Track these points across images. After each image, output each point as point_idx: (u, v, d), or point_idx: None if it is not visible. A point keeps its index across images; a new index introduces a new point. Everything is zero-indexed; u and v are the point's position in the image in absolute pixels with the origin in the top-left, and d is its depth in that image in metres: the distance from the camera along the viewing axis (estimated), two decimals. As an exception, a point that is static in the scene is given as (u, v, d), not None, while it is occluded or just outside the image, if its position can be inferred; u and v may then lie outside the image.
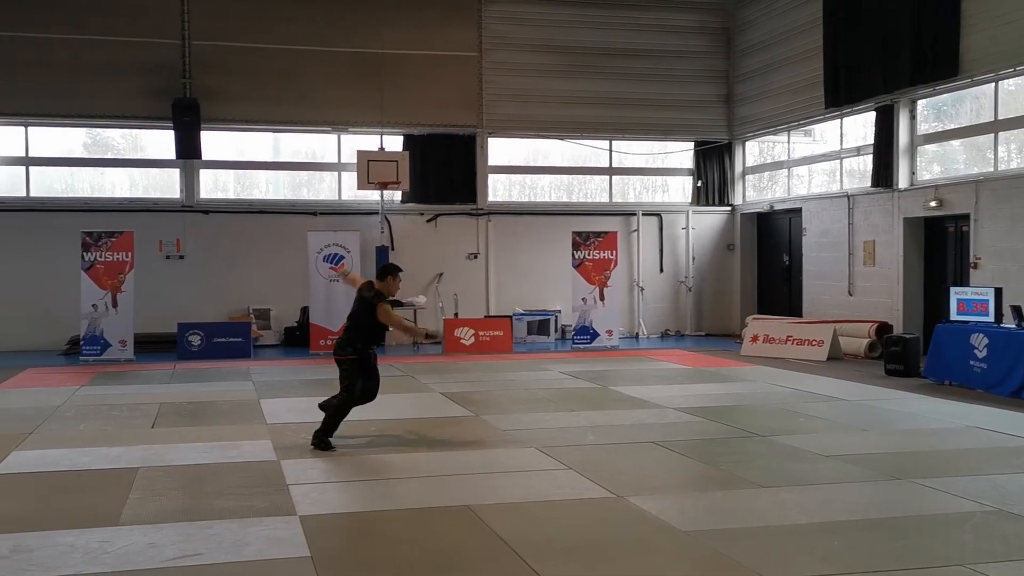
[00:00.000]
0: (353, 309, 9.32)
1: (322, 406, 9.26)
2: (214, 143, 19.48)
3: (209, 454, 8.71)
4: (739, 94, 21.47)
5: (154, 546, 5.93)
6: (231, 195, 20.21)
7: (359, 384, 9.19)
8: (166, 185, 19.70)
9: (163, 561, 5.66)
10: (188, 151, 18.58)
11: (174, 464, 8.32)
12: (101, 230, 16.86)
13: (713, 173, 21.84)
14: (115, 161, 19.91)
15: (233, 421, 10.57)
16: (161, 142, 19.41)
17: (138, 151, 20.08)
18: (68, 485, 7.67)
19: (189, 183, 19.42)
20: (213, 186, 20.08)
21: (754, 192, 21.96)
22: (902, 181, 16.67)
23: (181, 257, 19.16)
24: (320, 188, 20.68)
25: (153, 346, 17.45)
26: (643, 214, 21.45)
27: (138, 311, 16.92)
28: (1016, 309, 12.23)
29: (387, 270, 9.40)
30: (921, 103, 16.66)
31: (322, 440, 8.89)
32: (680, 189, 22.20)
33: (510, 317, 19.44)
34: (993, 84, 14.94)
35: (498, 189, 21.25)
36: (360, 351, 9.19)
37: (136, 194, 19.63)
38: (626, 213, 21.44)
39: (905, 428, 9.94)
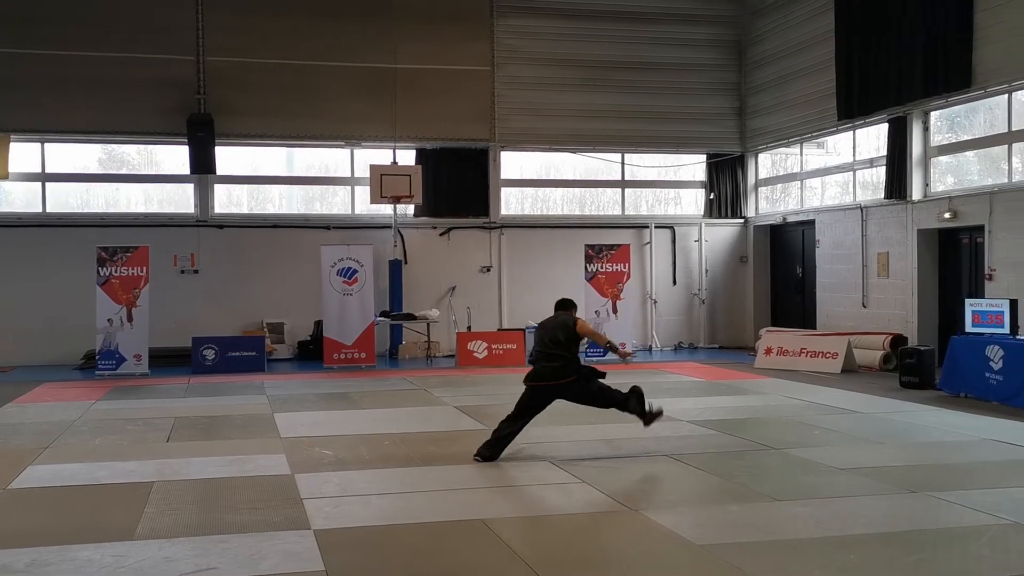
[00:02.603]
0: (549, 337, 9.26)
1: (635, 410, 9.32)
2: (228, 158, 19.59)
3: (224, 468, 8.73)
4: (751, 106, 21.48)
5: (169, 560, 5.95)
6: (245, 209, 20.30)
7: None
8: (180, 200, 19.81)
9: (178, 575, 5.68)
10: (202, 166, 18.69)
11: (189, 478, 8.34)
12: (116, 245, 16.96)
13: (726, 185, 21.83)
14: (130, 176, 20.03)
15: (247, 435, 10.59)
16: (176, 157, 19.53)
17: (153, 166, 20.20)
18: (84, 499, 7.70)
19: (203, 198, 19.53)
20: (227, 201, 20.18)
21: (767, 204, 21.93)
22: (915, 193, 16.63)
23: (195, 271, 19.25)
24: (333, 202, 20.76)
25: (168, 360, 17.51)
26: (656, 227, 21.45)
27: (153, 325, 17.00)
28: (1032, 321, 12.18)
29: (567, 303, 9.89)
30: (934, 114, 16.63)
31: (649, 411, 9.24)
32: (693, 201, 22.19)
33: (523, 330, 19.40)
34: (1007, 95, 14.90)
35: (510, 202, 21.29)
36: (577, 369, 9.21)
37: (151, 209, 19.75)
38: (639, 226, 21.44)
39: (920, 441, 9.89)
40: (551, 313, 9.89)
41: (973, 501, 7.17)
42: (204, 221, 19.48)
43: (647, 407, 9.26)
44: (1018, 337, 12.27)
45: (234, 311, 19.11)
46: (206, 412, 12.24)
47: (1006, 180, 15.03)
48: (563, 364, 9.04)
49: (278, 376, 16.71)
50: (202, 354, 17.21)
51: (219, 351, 17.27)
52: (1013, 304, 12.56)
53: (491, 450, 8.95)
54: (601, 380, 9.23)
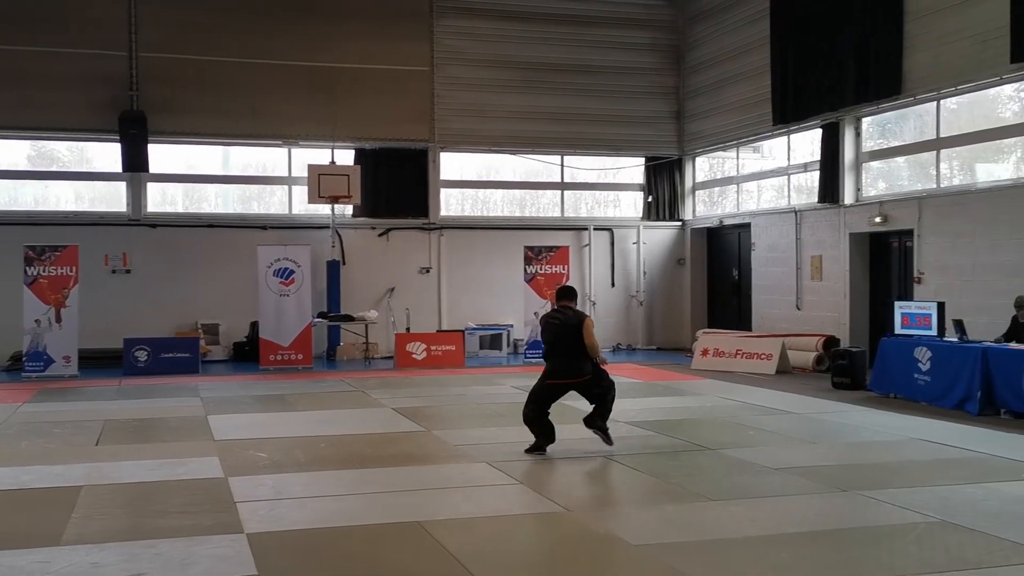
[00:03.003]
0: (557, 336, 9.41)
1: (597, 417, 9.47)
2: (162, 156, 19.25)
3: (155, 472, 8.56)
4: (689, 110, 21.71)
5: (97, 566, 5.81)
6: (179, 208, 19.97)
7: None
8: (112, 198, 19.41)
9: (106, 581, 5.56)
10: (135, 164, 18.35)
11: (119, 482, 8.16)
12: (45, 244, 16.57)
13: (664, 188, 22.04)
14: (60, 174, 19.60)
15: (180, 438, 10.40)
16: (108, 155, 19.15)
17: (84, 164, 19.78)
18: (8, 504, 7.49)
19: (136, 196, 19.16)
20: (161, 199, 19.83)
21: (704, 207, 22.18)
22: (848, 197, 16.95)
23: (128, 271, 18.87)
24: (271, 202, 20.53)
25: (98, 362, 17.17)
26: (595, 229, 21.57)
27: (83, 326, 16.63)
28: (958, 323, 12.47)
29: (571, 292, 9.88)
30: (866, 121, 16.97)
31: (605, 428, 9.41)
32: (631, 204, 22.37)
33: (462, 332, 19.41)
34: (935, 103, 15.26)
35: (450, 203, 21.25)
36: (594, 367, 9.39)
37: (82, 208, 19.33)
38: (578, 228, 21.54)
39: (851, 440, 10.07)
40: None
41: (901, 499, 7.32)
42: (137, 220, 19.12)
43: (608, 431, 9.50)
44: (945, 339, 12.57)
45: (168, 312, 18.78)
46: (137, 414, 12.00)
47: (934, 185, 15.38)
48: (580, 363, 9.29)
49: (212, 378, 16.46)
50: (134, 355, 16.89)
51: (151, 352, 16.97)
52: (941, 307, 12.86)
53: (544, 440, 9.29)
54: (604, 384, 9.53)
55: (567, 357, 9.31)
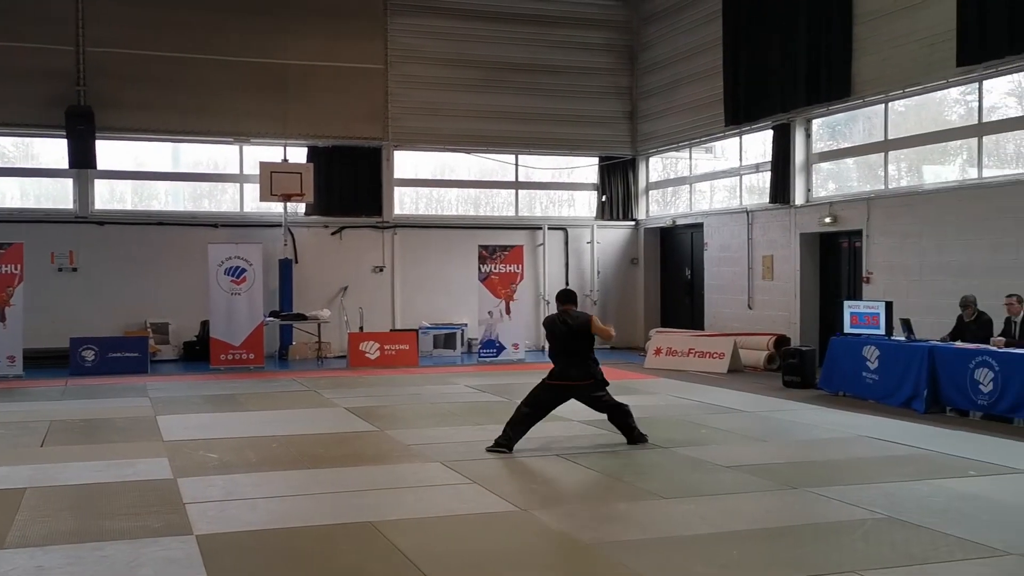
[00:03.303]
0: (565, 339, 9.57)
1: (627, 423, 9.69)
2: (110, 152, 18.95)
3: (102, 473, 8.42)
4: (643, 111, 21.83)
5: (41, 569, 5.71)
6: (128, 206, 19.67)
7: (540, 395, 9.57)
8: (59, 195, 19.05)
9: (50, 585, 5.46)
10: (82, 160, 18.04)
11: (64, 484, 8.01)
12: (-11, 242, 16.25)
13: (617, 188, 22.14)
14: (5, 170, 19.16)
15: (128, 439, 10.24)
16: (54, 151, 18.78)
17: (30, 160, 19.39)
18: (-51, 508, 7.33)
19: (83, 193, 18.83)
20: (109, 197, 19.51)
21: (657, 207, 22.32)
22: (798, 198, 17.15)
23: (74, 269, 18.54)
24: (222, 200, 20.29)
25: (44, 362, 16.85)
26: (549, 228, 21.61)
27: (28, 326, 16.30)
28: (906, 322, 12.68)
29: (573, 296, 10.01)
30: (816, 122, 17.18)
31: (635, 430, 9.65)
32: (586, 204, 22.45)
33: (416, 331, 19.35)
34: (884, 105, 15.49)
35: (405, 202, 21.17)
36: (595, 372, 9.58)
37: (27, 204, 18.95)
38: (532, 227, 21.57)
39: (801, 438, 10.20)
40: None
41: (850, 496, 7.42)
42: (84, 217, 18.79)
43: (634, 427, 9.67)
44: (893, 338, 12.76)
45: (116, 311, 18.48)
46: (84, 415, 11.80)
47: (883, 187, 15.62)
48: (586, 367, 9.48)
49: (162, 377, 16.24)
50: (81, 355, 16.61)
51: (99, 352, 16.70)
52: (889, 306, 13.06)
53: (514, 437, 9.32)
54: (607, 388, 9.71)
55: (575, 359, 9.50)
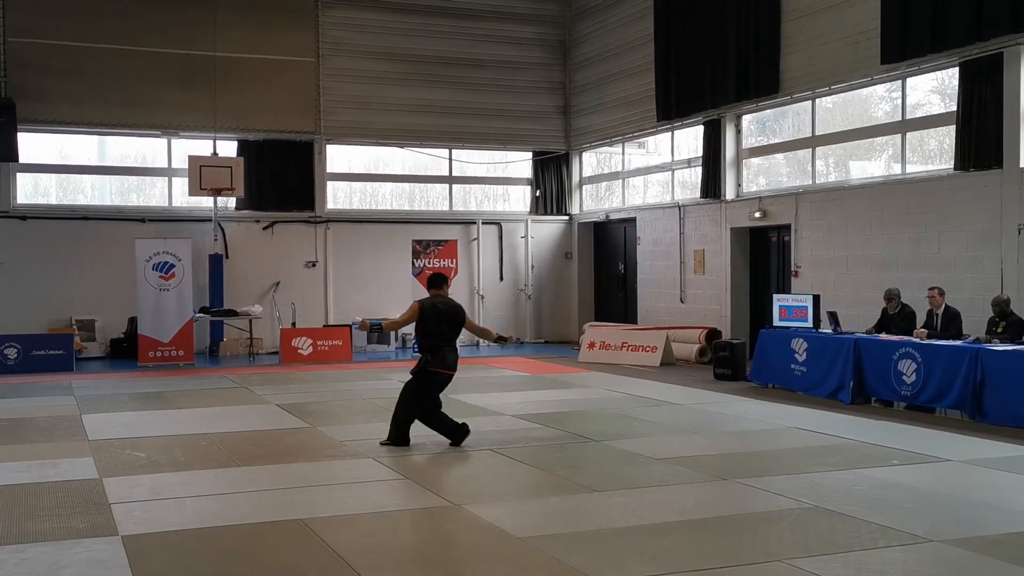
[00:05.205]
0: (452, 325, 9.32)
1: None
2: (34, 145, 18.48)
3: (24, 474, 8.21)
4: (576, 106, 21.93)
5: (-42, 574, 5.56)
6: (53, 200, 19.19)
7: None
8: (-21, 189, 18.54)
9: (-32, 590, 5.31)
10: (4, 153, 17.54)
11: (-16, 486, 7.81)
12: (-95, 236, 15.73)
13: (551, 183, 22.22)
14: (-79, 163, 18.60)
15: (52, 438, 10.00)
16: (-26, 143, 18.24)
17: (-52, 152, 18.81)
18: None
19: (4, 187, 18.29)
20: (33, 191, 19.02)
21: (591, 202, 22.45)
22: (729, 192, 17.38)
23: (-4, 265, 18.07)
24: (150, 194, 19.91)
25: (-36, 360, 16.39)
26: (483, 223, 21.60)
27: (-53, 323, 15.86)
28: (832, 315, 12.94)
29: (446, 278, 9.69)
30: (746, 118, 17.42)
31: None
32: (520, 198, 22.49)
33: (349, 326, 19.19)
34: (811, 102, 15.76)
35: (338, 196, 20.98)
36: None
37: (-55, 198, 18.42)
38: (466, 222, 21.54)
39: (731, 430, 10.34)
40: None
41: (777, 487, 7.55)
42: (6, 212, 18.26)
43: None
44: (820, 331, 13.02)
45: (40, 307, 18.01)
46: (6, 414, 11.48)
47: (811, 182, 15.90)
48: (456, 354, 9.35)
49: (88, 376, 15.88)
50: (3, 353, 16.18)
51: (22, 350, 16.28)
52: (816, 299, 13.33)
53: (398, 436, 9.26)
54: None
55: (452, 345, 9.35)
